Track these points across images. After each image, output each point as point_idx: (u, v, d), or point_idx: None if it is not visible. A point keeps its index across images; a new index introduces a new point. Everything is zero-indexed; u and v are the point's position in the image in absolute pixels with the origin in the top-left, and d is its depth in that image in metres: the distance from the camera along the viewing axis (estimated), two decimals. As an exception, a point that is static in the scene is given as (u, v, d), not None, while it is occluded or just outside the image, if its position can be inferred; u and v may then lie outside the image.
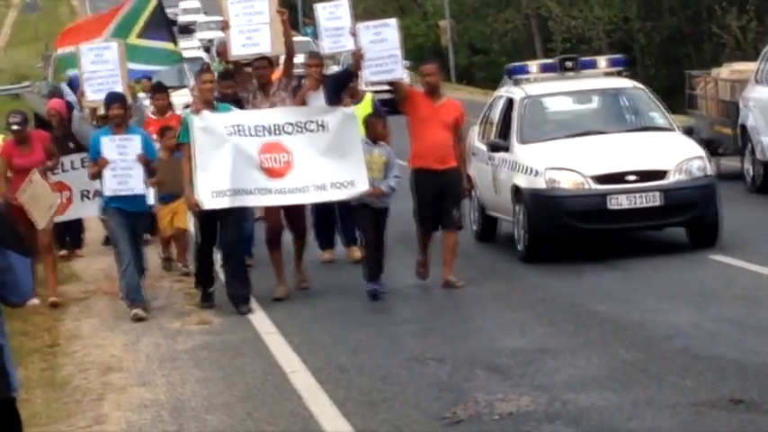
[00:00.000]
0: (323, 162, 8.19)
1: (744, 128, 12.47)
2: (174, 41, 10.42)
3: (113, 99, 8.38)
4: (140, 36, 9.64)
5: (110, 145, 8.18)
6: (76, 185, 9.30)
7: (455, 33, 36.27)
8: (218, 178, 7.98)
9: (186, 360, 7.21)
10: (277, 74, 9.00)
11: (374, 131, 8.32)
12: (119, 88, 8.66)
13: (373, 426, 5.28)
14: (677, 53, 34.37)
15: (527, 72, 10.66)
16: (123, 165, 8.15)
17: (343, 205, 8.93)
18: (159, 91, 10.41)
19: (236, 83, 8.65)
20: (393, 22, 9.04)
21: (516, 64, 11.75)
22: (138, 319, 8.05)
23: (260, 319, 7.99)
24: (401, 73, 8.84)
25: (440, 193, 8.46)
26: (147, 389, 6.51)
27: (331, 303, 8.48)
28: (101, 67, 8.81)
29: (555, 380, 5.90)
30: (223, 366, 6.94)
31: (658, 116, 10.26)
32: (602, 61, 11.00)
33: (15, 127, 9.03)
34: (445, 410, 5.41)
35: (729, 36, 30.08)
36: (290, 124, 8.18)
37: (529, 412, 5.27)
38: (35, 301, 8.29)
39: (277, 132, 8.17)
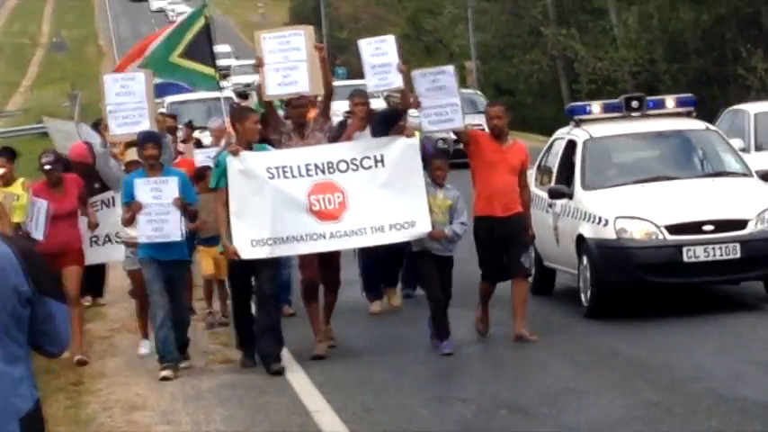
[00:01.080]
0: (380, 201, 7.62)
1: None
2: (215, 67, 9.89)
3: (148, 138, 7.82)
4: (184, 54, 9.21)
5: (144, 188, 7.62)
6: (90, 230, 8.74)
7: (481, 74, 35.95)
8: (257, 226, 7.47)
9: (210, 398, 7.22)
10: (312, 114, 8.43)
11: (435, 173, 7.83)
12: (146, 122, 8.09)
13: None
14: (703, 94, 33.99)
15: (589, 112, 9.96)
16: (159, 209, 7.59)
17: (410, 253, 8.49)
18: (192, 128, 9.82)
19: (268, 125, 8.21)
20: (450, 69, 8.55)
21: (577, 104, 11.38)
22: (164, 378, 7.57)
23: (284, 357, 7.74)
24: (460, 122, 8.24)
25: (506, 241, 8.03)
26: (172, 427, 6.57)
27: (354, 343, 8.32)
28: (127, 99, 8.21)
29: (579, 419, 5.89)
30: (247, 405, 6.92)
31: (734, 160, 9.75)
32: (671, 101, 10.30)
33: (48, 167, 8.41)
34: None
35: (755, 78, 29.98)
36: (344, 161, 7.58)
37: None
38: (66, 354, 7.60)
39: (330, 171, 7.55)
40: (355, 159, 7.61)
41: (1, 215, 7.99)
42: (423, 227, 7.52)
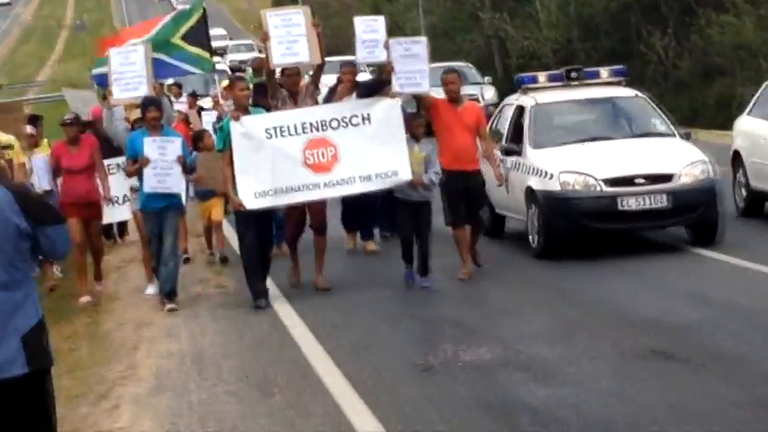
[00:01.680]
0: (368, 153, 7.37)
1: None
2: (210, 52, 9.45)
3: (150, 102, 7.63)
4: (183, 38, 8.80)
5: (152, 145, 7.35)
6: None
7: (430, 51, 35.06)
8: (259, 179, 7.23)
9: (205, 317, 7.31)
10: (301, 83, 8.17)
11: (413, 130, 7.56)
12: (144, 88, 7.85)
13: (359, 370, 5.44)
14: (612, 67, 33.95)
15: (536, 81, 9.72)
16: (163, 164, 7.33)
17: (385, 199, 8.29)
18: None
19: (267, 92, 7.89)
20: (423, 39, 8.35)
21: (525, 74, 10.78)
22: (170, 310, 7.40)
23: (268, 285, 7.66)
24: (427, 87, 7.78)
25: (468, 194, 7.87)
26: (173, 340, 6.69)
27: (332, 276, 7.97)
28: (128, 69, 7.89)
29: (510, 333, 6.11)
30: (235, 322, 7.03)
31: (660, 123, 9.44)
32: (605, 72, 9.90)
33: (68, 121, 8.09)
34: (418, 358, 5.53)
35: (653, 54, 29.71)
36: (335, 119, 7.36)
37: (486, 360, 5.46)
38: (87, 298, 8.01)
39: (324, 128, 7.32)
40: (345, 117, 7.40)
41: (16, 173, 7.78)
42: (404, 175, 7.32)
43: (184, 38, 8.75)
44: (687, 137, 9.29)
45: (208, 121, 10.37)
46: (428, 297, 7.43)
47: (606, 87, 9.67)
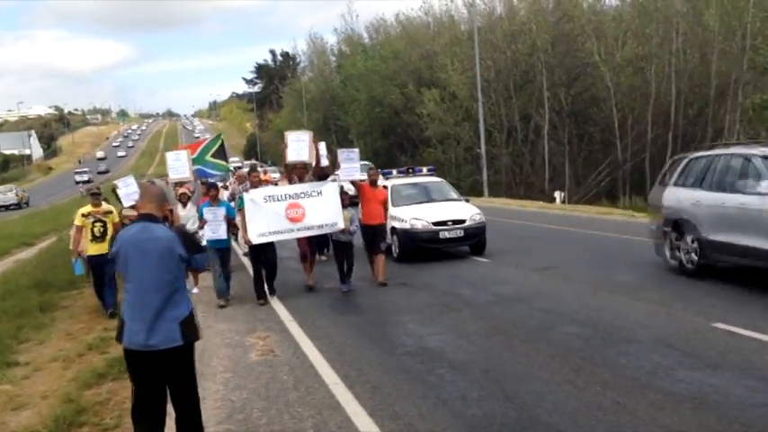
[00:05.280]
0: (320, 212, 11.20)
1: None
2: (227, 161, 15.09)
3: (210, 187, 11.61)
4: (213, 156, 13.79)
5: (208, 212, 11.19)
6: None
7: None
8: (260, 226, 10.99)
9: (230, 309, 10.16)
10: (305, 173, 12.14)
11: (343, 201, 11.55)
12: (188, 173, 12.43)
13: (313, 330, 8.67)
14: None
15: (391, 174, 16.28)
16: (215, 222, 11.10)
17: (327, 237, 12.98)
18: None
19: (288, 177, 12.01)
20: (356, 150, 12.38)
21: (386, 170, 16.89)
22: (221, 307, 10.93)
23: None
24: (359, 176, 12.25)
25: (374, 235, 12.02)
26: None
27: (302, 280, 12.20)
28: (177, 164, 12.48)
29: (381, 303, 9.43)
30: (245, 311, 9.73)
31: (455, 194, 15.98)
32: (425, 169, 16.68)
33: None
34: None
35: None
36: (304, 192, 11.27)
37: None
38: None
39: (296, 197, 11.18)
40: (307, 192, 11.26)
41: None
42: (340, 225, 11.31)
43: (213, 155, 13.75)
44: (467, 200, 15.93)
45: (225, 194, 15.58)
46: (350, 296, 11.32)
47: (426, 176, 16.18)
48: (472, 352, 7.37)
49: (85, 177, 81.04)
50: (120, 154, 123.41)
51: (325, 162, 12.93)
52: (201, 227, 11.17)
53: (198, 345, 8.47)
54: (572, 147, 42.20)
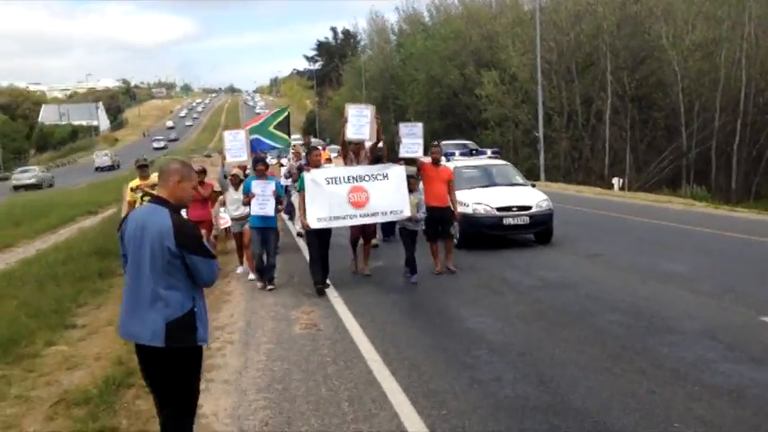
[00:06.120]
0: (385, 198, 10.28)
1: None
2: (289, 135, 13.90)
3: (258, 161, 10.83)
4: (275, 127, 13.19)
5: (257, 186, 10.40)
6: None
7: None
8: (321, 209, 10.08)
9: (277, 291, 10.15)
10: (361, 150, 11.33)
11: (410, 185, 10.59)
12: (245, 155, 11.44)
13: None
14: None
15: (453, 155, 15.72)
16: (263, 197, 10.33)
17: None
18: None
19: (344, 155, 11.23)
20: (419, 124, 11.31)
21: (448, 151, 16.02)
22: (262, 288, 10.48)
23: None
24: (421, 154, 11.14)
25: (442, 220, 11.16)
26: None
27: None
28: (236, 144, 11.53)
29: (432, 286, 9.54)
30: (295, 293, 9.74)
31: (520, 178, 14.99)
32: (489, 151, 16.41)
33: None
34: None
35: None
36: (368, 175, 10.34)
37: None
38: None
39: (360, 180, 10.27)
40: (373, 174, 10.33)
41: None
42: (406, 213, 10.37)
43: (276, 126, 13.03)
44: (533, 185, 14.62)
45: (282, 171, 15.95)
46: (421, 287, 10.29)
47: (490, 159, 15.66)
48: (511, 335, 7.39)
49: (162, 144, 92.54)
50: (188, 123, 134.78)
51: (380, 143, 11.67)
52: (247, 202, 10.45)
53: (244, 317, 8.92)
54: (634, 132, 41.21)
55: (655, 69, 41.01)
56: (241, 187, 11.15)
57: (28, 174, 53.34)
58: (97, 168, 65.56)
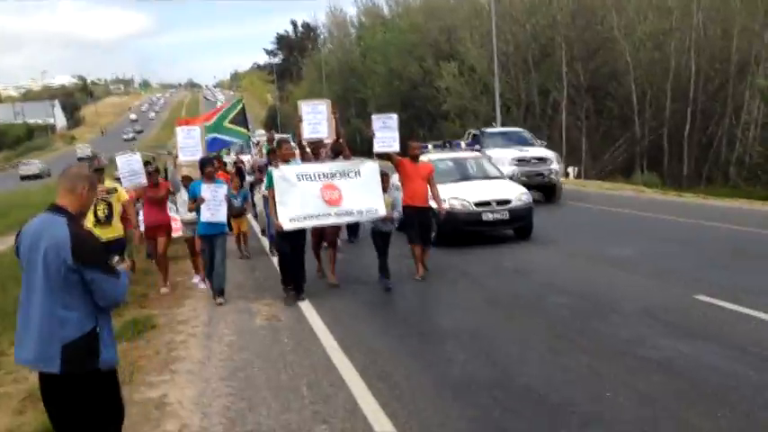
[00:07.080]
0: (359, 196, 9.48)
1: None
2: (247, 128, 12.82)
3: (207, 162, 9.73)
4: (231, 122, 12.02)
5: (207, 190, 9.46)
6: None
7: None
8: (293, 209, 9.21)
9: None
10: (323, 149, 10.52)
11: (383, 184, 9.76)
12: (199, 154, 10.23)
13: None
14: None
15: (427, 148, 15.25)
16: (214, 203, 9.44)
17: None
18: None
19: (302, 155, 10.31)
20: (394, 116, 10.53)
21: (422, 144, 15.04)
22: (219, 304, 9.35)
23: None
24: (397, 148, 10.27)
25: (421, 222, 10.22)
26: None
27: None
28: (190, 142, 10.41)
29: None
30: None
31: (497, 171, 14.40)
32: (463, 143, 16.22)
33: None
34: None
35: None
36: (339, 172, 9.52)
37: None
38: (165, 289, 10.45)
39: (331, 177, 9.45)
40: (344, 171, 9.54)
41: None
42: (381, 212, 9.54)
43: (232, 121, 11.87)
44: (511, 179, 14.22)
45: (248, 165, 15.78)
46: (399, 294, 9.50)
47: (466, 151, 15.79)
48: (463, 320, 7.74)
49: (131, 135, 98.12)
50: (150, 116, 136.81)
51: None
52: (192, 209, 9.55)
53: (206, 311, 9.06)
54: (590, 122, 42.11)
55: (608, 60, 41.87)
56: None
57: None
58: (23, 177, 57.88)
